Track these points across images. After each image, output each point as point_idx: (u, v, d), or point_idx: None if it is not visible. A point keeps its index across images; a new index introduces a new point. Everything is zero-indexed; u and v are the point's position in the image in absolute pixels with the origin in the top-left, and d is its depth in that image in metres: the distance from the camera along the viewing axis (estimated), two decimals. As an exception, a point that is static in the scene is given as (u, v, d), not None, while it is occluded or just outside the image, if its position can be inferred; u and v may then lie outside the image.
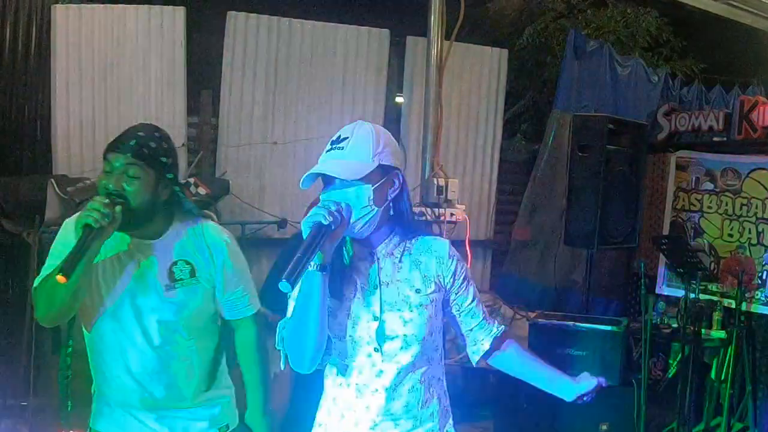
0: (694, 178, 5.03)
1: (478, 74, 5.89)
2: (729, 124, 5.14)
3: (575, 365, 3.88)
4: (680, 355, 4.15)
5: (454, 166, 5.71)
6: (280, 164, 5.24)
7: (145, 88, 4.84)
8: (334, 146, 1.71)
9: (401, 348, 1.73)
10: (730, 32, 6.81)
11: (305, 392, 2.11)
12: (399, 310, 1.74)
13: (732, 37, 6.99)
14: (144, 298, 1.99)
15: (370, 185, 1.69)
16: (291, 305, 1.71)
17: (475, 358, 1.93)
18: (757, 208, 4.65)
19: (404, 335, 1.73)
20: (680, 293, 4.43)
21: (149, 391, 2.03)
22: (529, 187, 6.05)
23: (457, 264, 1.84)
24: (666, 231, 5.15)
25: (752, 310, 4.49)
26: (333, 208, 1.62)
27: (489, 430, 4.50)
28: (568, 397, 1.89)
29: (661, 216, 5.27)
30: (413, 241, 1.82)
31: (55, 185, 3.88)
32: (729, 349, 4.29)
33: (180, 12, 4.91)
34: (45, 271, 1.93)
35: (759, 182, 4.66)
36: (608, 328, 4.06)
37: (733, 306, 4.34)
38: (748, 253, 4.66)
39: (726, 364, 4.30)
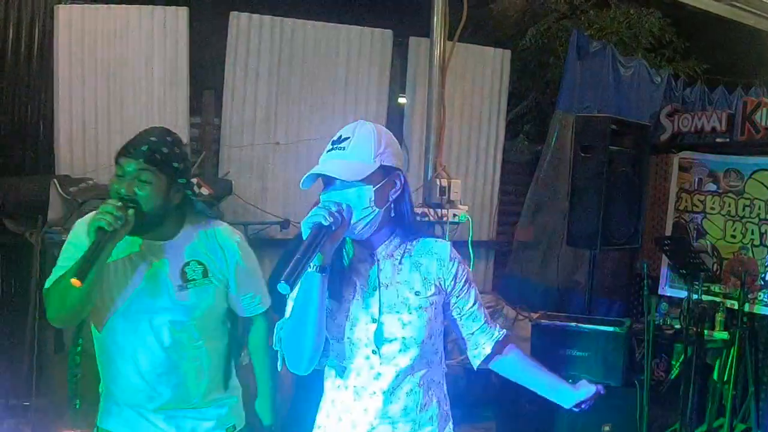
0: (696, 179, 5.03)
1: (481, 75, 5.87)
2: (732, 125, 5.14)
3: (578, 366, 3.88)
4: (683, 356, 4.15)
5: (457, 166, 5.69)
6: (283, 165, 5.22)
7: (147, 89, 4.83)
8: (335, 146, 1.69)
9: (400, 350, 1.71)
10: (733, 33, 6.80)
11: (306, 394, 2.11)
12: (398, 312, 1.72)
13: (735, 38, 6.98)
14: (155, 298, 2.00)
15: (372, 186, 1.67)
16: (290, 305, 1.71)
17: (476, 362, 1.92)
18: (759, 209, 4.64)
19: (403, 338, 1.71)
20: (683, 294, 4.44)
21: (158, 391, 2.04)
22: (531, 188, 6.03)
23: (458, 266, 1.82)
24: (669, 232, 5.15)
25: (755, 311, 4.49)
26: (333, 209, 1.61)
27: (491, 431, 4.50)
28: (567, 404, 1.88)
29: (664, 217, 5.27)
30: (414, 242, 1.80)
31: (57, 185, 3.88)
32: (732, 350, 4.30)
33: (183, 12, 4.89)
34: (57, 272, 1.94)
35: (762, 183, 4.66)
36: (611, 329, 4.04)
37: (736, 307, 4.35)
38: (750, 254, 4.66)
39: (729, 365, 4.31)
